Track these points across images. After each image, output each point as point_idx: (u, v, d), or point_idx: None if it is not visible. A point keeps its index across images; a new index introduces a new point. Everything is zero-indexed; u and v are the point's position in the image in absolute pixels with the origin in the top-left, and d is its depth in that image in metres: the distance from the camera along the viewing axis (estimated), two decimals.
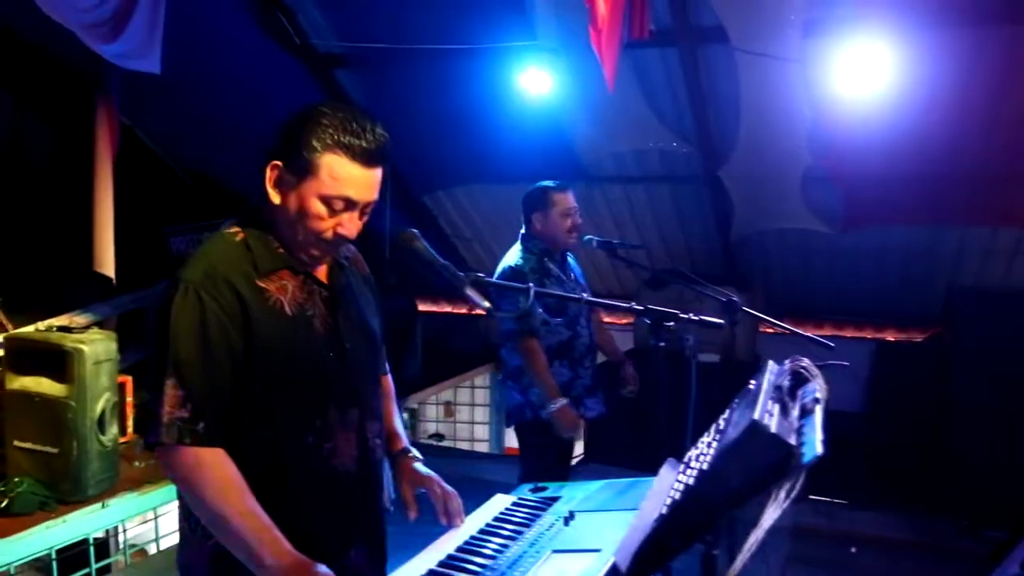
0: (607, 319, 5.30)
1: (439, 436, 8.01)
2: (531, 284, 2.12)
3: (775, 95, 4.58)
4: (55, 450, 3.21)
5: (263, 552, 1.46)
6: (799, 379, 1.34)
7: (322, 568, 1.44)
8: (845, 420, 5.42)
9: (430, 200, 6.65)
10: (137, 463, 3.73)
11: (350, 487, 1.73)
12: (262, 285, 1.64)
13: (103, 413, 3.30)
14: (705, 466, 1.21)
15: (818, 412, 1.22)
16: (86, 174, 4.36)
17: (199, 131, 6.20)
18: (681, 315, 2.07)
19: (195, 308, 1.57)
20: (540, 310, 3.45)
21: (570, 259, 3.73)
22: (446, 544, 1.67)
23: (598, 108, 5.13)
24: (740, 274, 6.10)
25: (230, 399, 1.59)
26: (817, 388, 1.29)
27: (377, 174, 1.64)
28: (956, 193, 4.90)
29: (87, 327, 3.97)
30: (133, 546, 3.98)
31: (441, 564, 1.58)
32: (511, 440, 6.96)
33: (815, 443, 1.11)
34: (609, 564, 1.37)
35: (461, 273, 1.85)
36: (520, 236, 3.63)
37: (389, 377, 2.02)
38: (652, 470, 1.66)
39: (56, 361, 3.23)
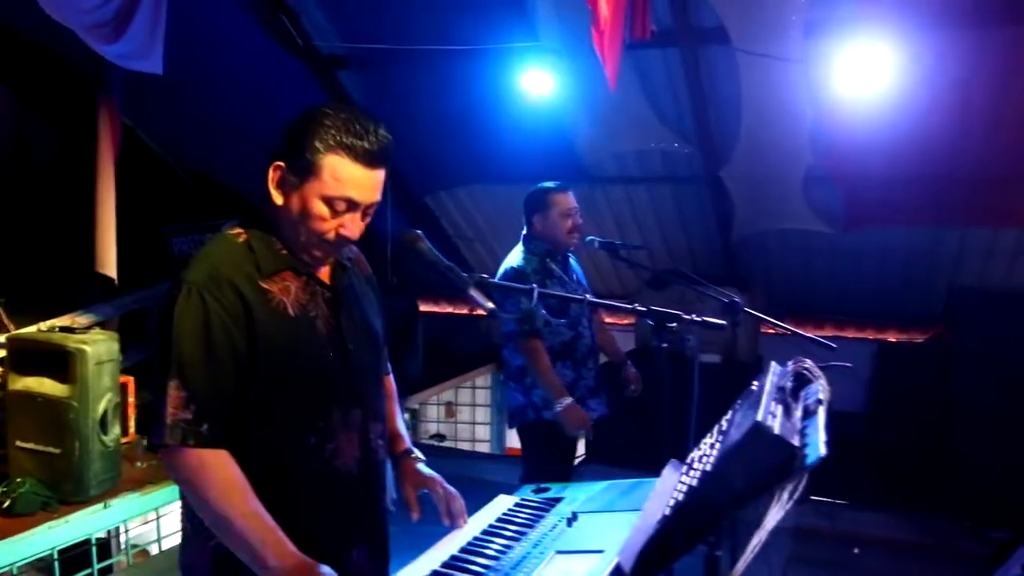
0: (608, 320, 5.31)
1: (440, 436, 8.02)
2: (534, 285, 2.13)
3: (776, 95, 4.58)
4: (57, 450, 3.21)
5: (267, 553, 1.46)
6: (802, 380, 1.34)
7: (325, 569, 1.44)
8: (846, 421, 5.41)
9: (432, 200, 6.65)
10: (139, 463, 3.73)
11: (352, 488, 1.73)
12: (265, 286, 1.64)
13: (105, 413, 3.30)
14: (708, 467, 1.22)
15: (821, 413, 1.22)
16: (88, 175, 4.36)
17: (201, 132, 6.20)
18: (684, 316, 2.08)
19: (198, 309, 1.57)
20: (543, 311, 3.45)
21: (572, 260, 3.73)
22: (449, 545, 1.67)
23: (600, 109, 5.13)
24: (741, 274, 6.10)
25: (233, 400, 1.59)
26: (820, 389, 1.29)
27: (380, 175, 1.64)
28: (957, 193, 4.90)
29: (89, 327, 3.98)
30: (135, 546, 3.99)
31: (445, 565, 1.58)
32: (512, 440, 6.98)
33: (818, 444, 1.12)
34: (613, 565, 1.37)
35: (465, 274, 1.85)
36: (522, 237, 3.63)
37: (391, 378, 2.03)
38: (654, 471, 1.66)
39: (58, 361, 3.23)
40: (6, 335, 3.71)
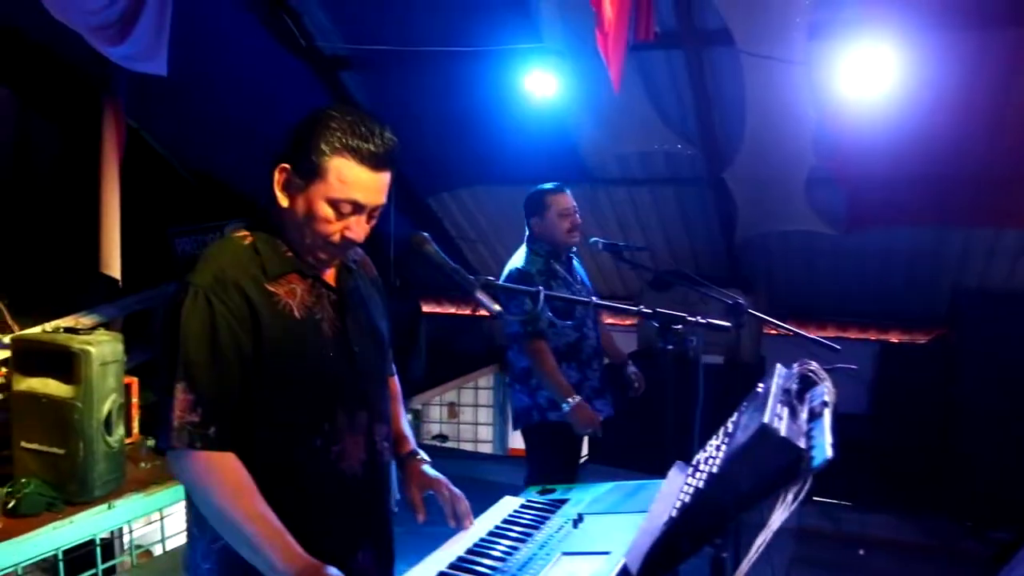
0: (611, 321, 5.31)
1: (443, 437, 8.02)
2: (540, 287, 2.13)
3: (780, 97, 4.58)
4: (62, 451, 3.21)
5: (274, 556, 1.47)
6: (807, 382, 1.35)
7: (331, 571, 1.44)
8: (850, 422, 5.38)
9: (435, 202, 6.66)
10: (143, 464, 3.74)
11: (358, 490, 1.73)
12: (271, 289, 1.64)
13: (109, 414, 3.30)
14: (714, 469, 1.22)
15: (827, 415, 1.22)
16: (92, 176, 4.36)
17: (204, 133, 6.22)
18: (690, 318, 2.08)
19: (204, 312, 1.57)
20: (548, 313, 3.46)
21: (575, 261, 3.73)
22: (456, 546, 1.68)
23: (603, 110, 5.13)
24: (744, 276, 6.10)
25: (239, 403, 1.59)
26: (825, 391, 1.29)
27: (385, 178, 1.64)
28: (961, 195, 4.90)
29: (93, 328, 3.98)
30: (139, 547, 3.99)
31: (451, 566, 1.58)
32: (515, 441, 6.98)
33: (824, 447, 1.12)
34: (619, 566, 1.37)
35: (471, 276, 1.86)
36: (526, 239, 3.64)
37: (396, 379, 2.03)
38: (657, 472, 1.66)
39: (63, 362, 3.23)
40: (11, 336, 3.71)
